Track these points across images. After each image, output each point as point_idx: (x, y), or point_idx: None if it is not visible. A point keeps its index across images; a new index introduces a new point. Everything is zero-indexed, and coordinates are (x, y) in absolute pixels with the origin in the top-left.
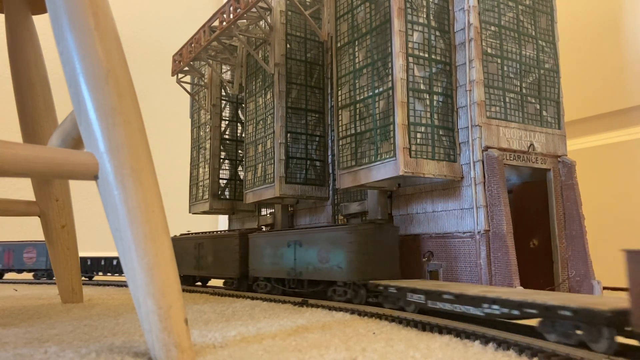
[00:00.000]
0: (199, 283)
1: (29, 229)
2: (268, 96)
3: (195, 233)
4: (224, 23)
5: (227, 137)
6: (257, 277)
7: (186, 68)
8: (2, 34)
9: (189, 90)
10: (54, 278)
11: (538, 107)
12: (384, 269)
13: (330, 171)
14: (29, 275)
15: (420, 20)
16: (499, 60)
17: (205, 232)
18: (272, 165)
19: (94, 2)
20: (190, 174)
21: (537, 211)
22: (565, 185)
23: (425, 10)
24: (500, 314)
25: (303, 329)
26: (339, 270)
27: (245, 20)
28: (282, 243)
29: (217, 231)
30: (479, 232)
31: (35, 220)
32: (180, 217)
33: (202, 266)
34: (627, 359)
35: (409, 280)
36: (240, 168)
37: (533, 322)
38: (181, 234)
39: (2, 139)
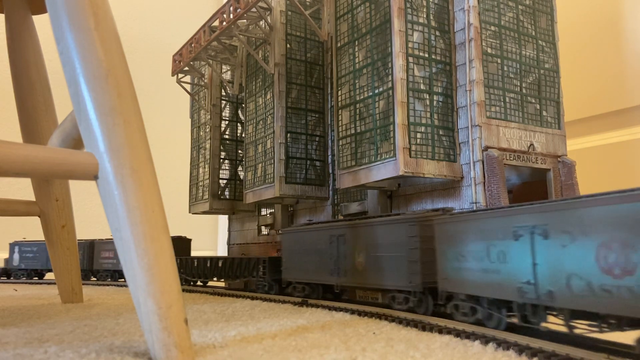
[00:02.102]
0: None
1: (29, 229)
2: (268, 96)
3: (330, 221)
4: (224, 23)
5: (227, 137)
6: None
7: (186, 68)
8: (2, 34)
9: (189, 90)
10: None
11: (538, 107)
12: None
13: (330, 171)
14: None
15: (420, 20)
16: (499, 60)
17: (348, 218)
18: (272, 165)
19: (94, 2)
20: (190, 174)
21: None
22: (565, 185)
23: (425, 10)
24: None
25: (303, 329)
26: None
27: (245, 20)
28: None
29: (366, 216)
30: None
31: (35, 220)
32: (180, 217)
33: (344, 270)
34: (627, 359)
35: None
36: (240, 168)
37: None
38: (304, 224)
39: (2, 139)
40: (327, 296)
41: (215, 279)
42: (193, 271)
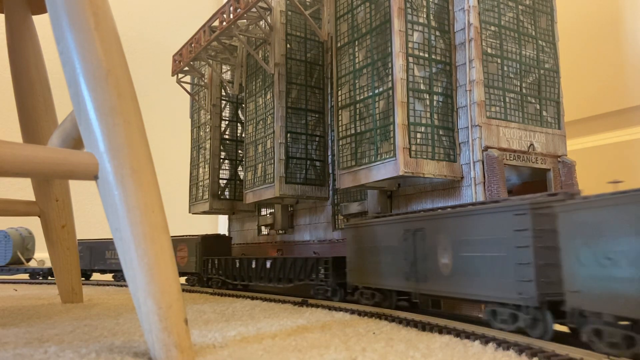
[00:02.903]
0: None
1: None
2: (268, 96)
3: (405, 212)
4: (224, 23)
5: (227, 137)
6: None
7: (186, 68)
8: (2, 34)
9: (189, 90)
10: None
11: (538, 107)
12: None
13: (330, 171)
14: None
15: (420, 20)
16: (499, 60)
17: (427, 210)
18: (272, 165)
19: (94, 2)
20: (190, 174)
21: None
22: (565, 185)
23: (425, 10)
24: None
25: (303, 329)
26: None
27: (245, 20)
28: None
29: (453, 205)
30: None
31: (35, 220)
32: (180, 217)
33: (423, 275)
34: (627, 359)
35: None
36: (240, 168)
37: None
38: (373, 216)
39: (2, 139)
40: (401, 304)
41: (261, 282)
42: (234, 273)
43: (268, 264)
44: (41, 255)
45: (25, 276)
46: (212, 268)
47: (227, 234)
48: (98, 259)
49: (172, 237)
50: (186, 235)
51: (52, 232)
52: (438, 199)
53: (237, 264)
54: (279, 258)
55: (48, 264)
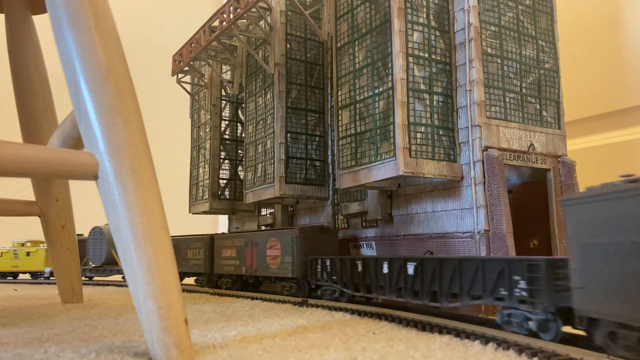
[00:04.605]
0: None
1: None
2: (268, 96)
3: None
4: (224, 23)
5: (227, 137)
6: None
7: (186, 68)
8: (2, 34)
9: (189, 90)
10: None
11: (538, 107)
12: None
13: (330, 171)
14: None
15: (420, 20)
16: (499, 60)
17: None
18: (272, 165)
19: (94, 2)
20: (190, 174)
21: (537, 211)
22: (565, 185)
23: (425, 10)
24: None
25: (303, 329)
26: None
27: (245, 20)
28: None
29: None
30: (479, 232)
31: (35, 220)
32: (180, 217)
33: None
34: (627, 359)
35: None
36: (240, 168)
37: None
38: (626, 181)
39: (2, 139)
40: None
41: (400, 297)
42: (355, 280)
43: (411, 269)
44: None
45: (105, 277)
46: (322, 272)
47: (330, 225)
48: (180, 260)
49: (257, 230)
50: (277, 228)
51: (52, 232)
52: (438, 198)
53: (360, 267)
54: (430, 259)
55: None
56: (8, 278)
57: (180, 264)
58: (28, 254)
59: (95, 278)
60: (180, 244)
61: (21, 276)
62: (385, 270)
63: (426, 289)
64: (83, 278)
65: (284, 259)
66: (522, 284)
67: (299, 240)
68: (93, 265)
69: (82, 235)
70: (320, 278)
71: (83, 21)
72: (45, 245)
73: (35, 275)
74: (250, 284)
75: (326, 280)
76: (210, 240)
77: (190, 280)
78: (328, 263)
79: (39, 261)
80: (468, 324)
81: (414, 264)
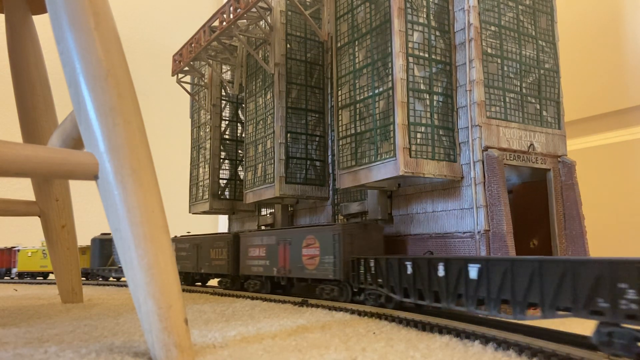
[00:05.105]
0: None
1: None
2: (268, 96)
3: None
4: (224, 23)
5: (227, 137)
6: None
7: (186, 68)
8: (2, 34)
9: (189, 90)
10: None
11: (538, 107)
12: None
13: (330, 171)
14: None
15: (420, 20)
16: (499, 60)
17: None
18: (272, 165)
19: (94, 2)
20: (190, 174)
21: (537, 211)
22: (565, 185)
23: (425, 10)
24: None
25: (303, 329)
26: None
27: (245, 20)
28: None
29: None
30: (479, 232)
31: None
32: (180, 217)
33: None
34: (627, 359)
35: None
36: (240, 168)
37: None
38: None
39: (2, 139)
40: None
41: (461, 305)
42: (404, 284)
43: (474, 272)
44: None
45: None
46: (365, 274)
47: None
48: (203, 260)
49: (292, 227)
50: (314, 225)
51: (52, 232)
52: (438, 198)
53: (409, 269)
54: (499, 260)
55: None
56: (38, 278)
57: (203, 265)
58: None
59: (123, 279)
60: (203, 243)
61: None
62: (441, 272)
63: (494, 297)
64: (110, 279)
65: (323, 259)
66: (632, 294)
67: (341, 237)
68: (120, 265)
69: (108, 234)
70: (363, 281)
71: (83, 21)
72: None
73: None
74: (282, 287)
75: (370, 284)
76: (234, 239)
77: (215, 282)
78: (372, 264)
79: None
80: (468, 324)
81: (477, 265)
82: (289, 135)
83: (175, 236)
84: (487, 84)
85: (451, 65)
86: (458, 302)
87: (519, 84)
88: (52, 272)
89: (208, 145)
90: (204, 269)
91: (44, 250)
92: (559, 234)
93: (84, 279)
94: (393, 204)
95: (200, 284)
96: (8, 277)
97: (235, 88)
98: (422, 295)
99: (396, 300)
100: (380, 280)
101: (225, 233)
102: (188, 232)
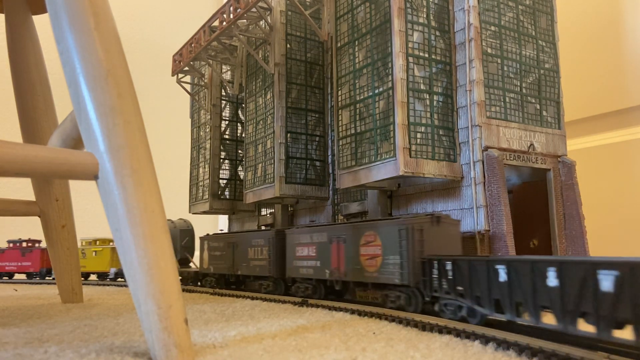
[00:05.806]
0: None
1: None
2: (268, 96)
3: None
4: (224, 23)
5: (227, 137)
6: None
7: (186, 68)
8: (2, 34)
9: (189, 90)
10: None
11: (538, 107)
12: None
13: (330, 171)
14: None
15: (420, 20)
16: (499, 60)
17: None
18: (272, 165)
19: (94, 2)
20: (190, 174)
21: (537, 211)
22: (565, 185)
23: (425, 10)
24: None
25: (303, 329)
26: None
27: (245, 20)
28: None
29: None
30: (479, 232)
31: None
32: (180, 217)
33: None
34: (627, 359)
35: None
36: (240, 168)
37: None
38: None
39: (2, 139)
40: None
41: (575, 324)
42: (495, 293)
43: (608, 282)
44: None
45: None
46: (440, 279)
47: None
48: (240, 260)
49: (351, 222)
50: (375, 219)
51: (52, 232)
52: (438, 198)
53: (503, 275)
54: None
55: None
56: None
57: (240, 266)
58: (95, 253)
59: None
60: (240, 241)
61: (21, 276)
62: (553, 282)
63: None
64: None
65: (387, 260)
66: None
67: (409, 234)
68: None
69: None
70: (437, 288)
71: (83, 21)
72: (113, 244)
73: (103, 276)
74: (337, 292)
75: (447, 292)
76: (277, 236)
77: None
78: (449, 267)
79: (104, 261)
80: (468, 324)
81: (614, 273)
82: (289, 135)
83: (208, 234)
84: (487, 84)
85: (451, 65)
86: (574, 319)
87: (519, 84)
88: (92, 273)
89: (208, 145)
90: (241, 270)
91: (83, 250)
92: (559, 234)
93: (83, 279)
94: (393, 204)
95: (235, 286)
96: (49, 277)
97: (235, 88)
98: (517, 309)
99: (483, 314)
100: (460, 287)
101: (266, 229)
102: (221, 230)
